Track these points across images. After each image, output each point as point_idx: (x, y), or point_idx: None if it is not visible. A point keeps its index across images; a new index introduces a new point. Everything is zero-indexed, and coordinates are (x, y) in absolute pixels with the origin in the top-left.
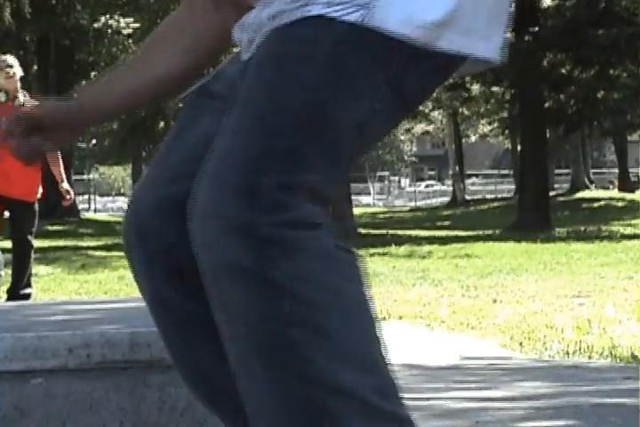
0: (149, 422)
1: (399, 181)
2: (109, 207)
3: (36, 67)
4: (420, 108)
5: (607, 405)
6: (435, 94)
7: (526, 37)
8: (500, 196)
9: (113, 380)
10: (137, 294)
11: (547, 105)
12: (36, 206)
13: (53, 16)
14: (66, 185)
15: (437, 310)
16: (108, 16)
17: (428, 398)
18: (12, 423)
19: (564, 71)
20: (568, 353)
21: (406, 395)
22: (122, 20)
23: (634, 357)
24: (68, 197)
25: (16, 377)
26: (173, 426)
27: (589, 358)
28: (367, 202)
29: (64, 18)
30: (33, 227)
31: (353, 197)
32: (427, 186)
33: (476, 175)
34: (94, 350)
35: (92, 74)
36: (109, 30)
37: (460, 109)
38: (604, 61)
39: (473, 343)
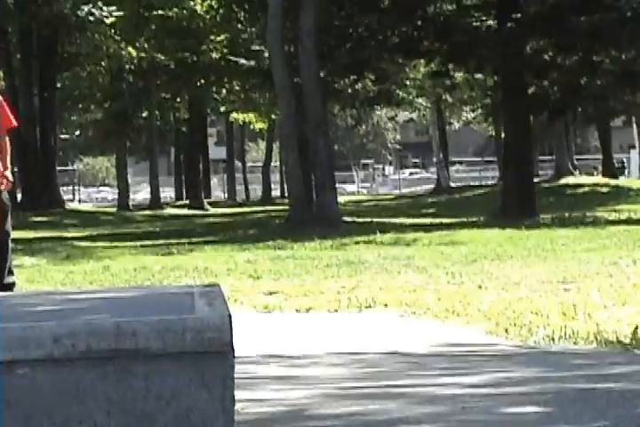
0: (136, 412)
1: (383, 169)
2: (94, 198)
3: (18, 57)
4: (404, 95)
5: (592, 390)
6: (418, 82)
7: (509, 24)
8: (484, 183)
9: (99, 369)
10: (122, 283)
11: (530, 91)
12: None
13: (35, 6)
14: (8, 173)
15: (423, 297)
16: (90, 5)
17: (414, 385)
18: None
19: (547, 57)
20: (553, 339)
21: (392, 382)
22: (104, 8)
23: (619, 342)
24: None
25: (1, 368)
26: (160, 415)
27: (574, 343)
28: (352, 190)
29: (46, 8)
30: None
31: (337, 186)
32: (411, 173)
33: (460, 162)
34: (79, 339)
35: (76, 64)
36: (91, 19)
37: (444, 96)
38: (587, 47)
39: (458, 330)
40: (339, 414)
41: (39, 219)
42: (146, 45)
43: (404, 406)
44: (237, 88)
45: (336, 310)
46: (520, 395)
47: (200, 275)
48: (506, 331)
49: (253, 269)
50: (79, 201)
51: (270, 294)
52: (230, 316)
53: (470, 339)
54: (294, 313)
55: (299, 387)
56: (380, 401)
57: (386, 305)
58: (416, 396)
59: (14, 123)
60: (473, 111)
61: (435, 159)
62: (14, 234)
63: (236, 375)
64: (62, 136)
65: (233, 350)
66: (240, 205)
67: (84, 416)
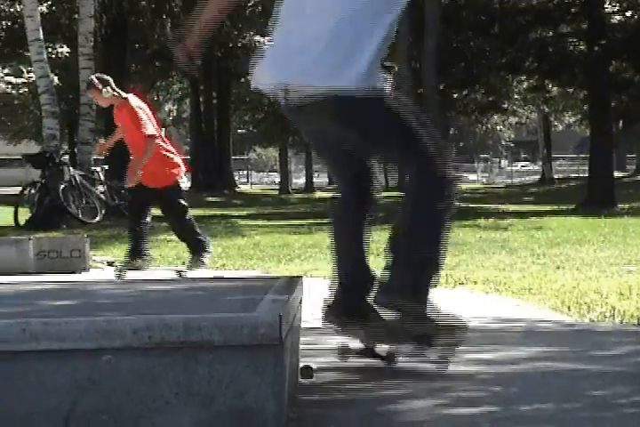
0: (200, 393)
1: (499, 162)
2: (263, 181)
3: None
4: (509, 105)
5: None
6: (521, 94)
7: (596, 48)
8: (582, 175)
9: (170, 357)
10: (267, 258)
11: (612, 104)
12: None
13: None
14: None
15: (509, 275)
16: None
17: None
18: (85, 393)
19: (627, 76)
20: (606, 316)
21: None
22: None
23: None
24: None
25: (89, 354)
26: (219, 396)
27: (621, 322)
28: (473, 179)
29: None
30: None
31: (462, 175)
32: (522, 166)
33: (563, 158)
34: (154, 332)
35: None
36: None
37: (542, 107)
38: None
39: (527, 306)
40: (361, 388)
41: (212, 199)
42: None
43: (415, 382)
44: None
45: (435, 286)
46: (530, 373)
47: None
48: (568, 308)
49: (376, 248)
50: (251, 184)
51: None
52: (281, 315)
53: (530, 315)
54: None
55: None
56: (396, 376)
57: (475, 283)
58: (428, 371)
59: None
60: (574, 116)
61: (540, 155)
62: (191, 211)
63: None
64: (239, 131)
65: (283, 343)
66: (389, 189)
67: (157, 396)
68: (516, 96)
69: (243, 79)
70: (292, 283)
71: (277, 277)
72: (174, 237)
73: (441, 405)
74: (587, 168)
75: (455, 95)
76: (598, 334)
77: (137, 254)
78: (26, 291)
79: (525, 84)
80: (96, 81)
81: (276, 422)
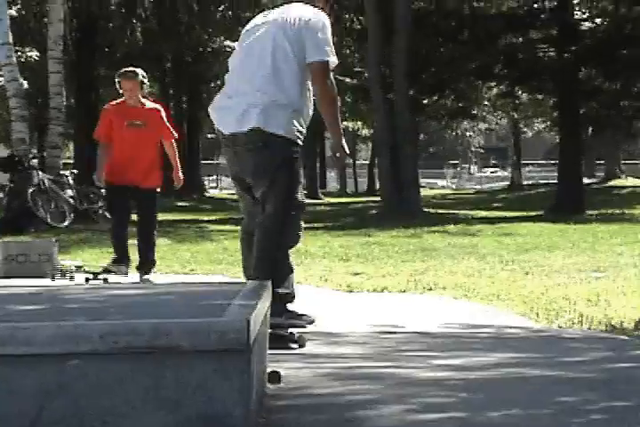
0: (167, 398)
1: (469, 168)
2: (233, 186)
3: (169, 65)
4: (479, 111)
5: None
6: (491, 100)
7: (566, 55)
8: (550, 181)
9: (138, 362)
10: (236, 262)
11: (581, 111)
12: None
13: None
14: (180, 174)
15: (478, 281)
16: (222, 38)
17: (406, 367)
18: (52, 397)
19: (596, 83)
20: (574, 323)
21: (390, 363)
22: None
23: (622, 328)
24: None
25: (56, 359)
26: (187, 401)
27: (588, 328)
28: (442, 184)
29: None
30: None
31: (431, 181)
32: (491, 172)
33: (532, 164)
34: (121, 337)
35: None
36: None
37: (511, 113)
38: (628, 75)
39: (497, 313)
40: (334, 393)
41: (181, 204)
42: None
43: (384, 388)
44: (346, 101)
45: (404, 291)
46: (497, 379)
47: (300, 256)
48: (537, 315)
49: (345, 253)
50: (221, 189)
51: (355, 274)
52: (249, 320)
53: (500, 321)
54: (371, 292)
55: (311, 365)
56: (365, 382)
57: (444, 288)
58: (397, 377)
59: (175, 135)
60: (544, 122)
61: (510, 161)
62: (159, 216)
63: (272, 351)
64: (209, 135)
65: (250, 349)
66: (348, 195)
67: (124, 401)
68: (485, 102)
69: (213, 84)
70: (260, 288)
71: (245, 283)
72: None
73: (410, 410)
74: (554, 174)
75: (425, 101)
76: (566, 340)
77: (124, 259)
78: None
79: (495, 91)
80: (143, 73)
81: (245, 426)
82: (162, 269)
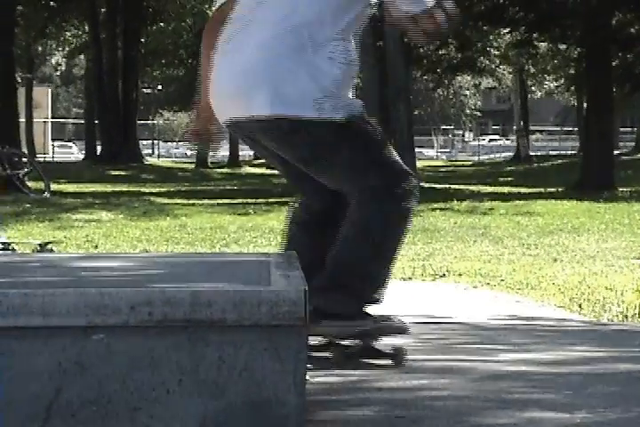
0: (208, 381)
1: (463, 135)
2: (173, 153)
3: (104, 10)
4: (487, 63)
5: None
6: (501, 50)
7: None
8: (563, 153)
9: (173, 338)
10: (198, 242)
11: (614, 64)
12: None
13: None
14: None
15: (497, 267)
16: None
17: (484, 361)
18: (72, 378)
19: (632, 31)
20: (627, 316)
21: (458, 356)
22: None
23: None
24: None
25: (77, 332)
26: (231, 385)
27: None
28: (430, 155)
29: None
30: None
31: (416, 150)
32: (490, 140)
33: (541, 131)
34: (156, 307)
35: (160, 20)
36: None
37: (527, 66)
38: None
39: (532, 304)
40: (404, 387)
41: (117, 173)
42: None
43: (468, 382)
44: None
45: (410, 278)
46: (585, 375)
47: (276, 237)
48: (579, 306)
49: None
50: (158, 156)
51: None
52: (307, 291)
53: (543, 313)
54: None
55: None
56: (445, 375)
57: (460, 275)
58: (480, 372)
59: None
60: (556, 80)
61: (515, 127)
62: (92, 187)
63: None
64: (144, 90)
65: (307, 325)
66: None
67: (157, 384)
68: (495, 52)
69: (155, 26)
70: (290, 259)
71: (267, 254)
72: (82, 216)
73: (506, 408)
74: (569, 144)
75: (422, 50)
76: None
77: None
78: None
79: (507, 38)
80: None
81: (298, 417)
82: (109, 248)
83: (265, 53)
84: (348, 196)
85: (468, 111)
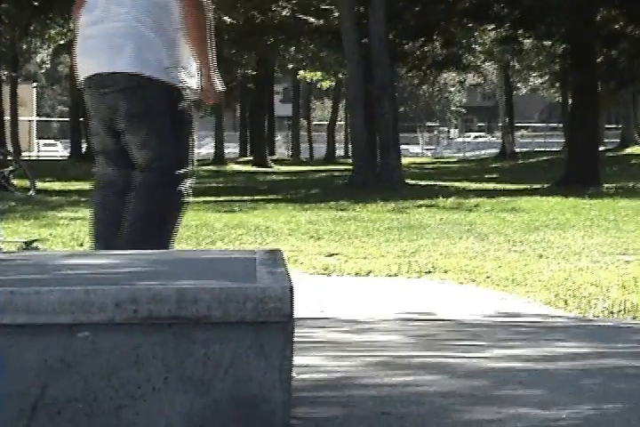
0: (194, 378)
1: (448, 132)
2: None
3: None
4: (472, 59)
5: None
6: (486, 46)
7: None
8: (549, 149)
9: (158, 335)
10: (183, 239)
11: (598, 60)
12: None
13: None
14: None
15: (483, 264)
16: None
17: (469, 357)
18: (57, 376)
19: (617, 27)
20: (612, 312)
21: (444, 353)
22: None
23: None
24: None
25: (63, 330)
26: (217, 382)
27: (634, 318)
28: (415, 151)
29: None
30: None
31: (402, 147)
32: (475, 137)
33: (526, 128)
34: (141, 305)
35: None
36: None
37: (512, 63)
38: None
39: (517, 300)
40: (389, 384)
41: None
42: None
43: (454, 379)
44: (307, 46)
45: (396, 275)
46: (576, 370)
47: (262, 234)
48: (565, 303)
49: (315, 229)
50: None
51: (330, 255)
52: (292, 287)
53: (528, 309)
54: (354, 276)
55: (354, 354)
56: (431, 371)
57: (446, 271)
58: (466, 368)
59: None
60: (541, 77)
61: (500, 124)
62: (78, 185)
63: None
64: None
65: (293, 322)
66: (303, 163)
67: (142, 381)
68: (479, 49)
69: None
70: (276, 256)
71: (252, 251)
72: (67, 214)
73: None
74: (554, 141)
75: (407, 46)
76: (625, 331)
77: None
78: None
79: (492, 35)
80: None
81: (284, 414)
82: None
83: (133, 22)
84: (140, 162)
85: (453, 108)
